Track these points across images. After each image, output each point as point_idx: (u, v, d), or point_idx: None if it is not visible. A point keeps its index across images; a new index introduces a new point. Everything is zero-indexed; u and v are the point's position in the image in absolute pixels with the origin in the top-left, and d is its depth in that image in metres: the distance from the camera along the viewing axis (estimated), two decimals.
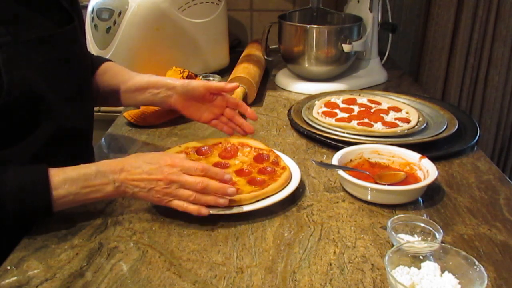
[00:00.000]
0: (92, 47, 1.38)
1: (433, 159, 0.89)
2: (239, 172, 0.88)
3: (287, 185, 0.84)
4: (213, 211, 0.76)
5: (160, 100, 0.96)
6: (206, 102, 0.97)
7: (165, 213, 0.81)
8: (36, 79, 0.75)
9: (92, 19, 1.34)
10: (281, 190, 0.83)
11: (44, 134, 0.79)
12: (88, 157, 0.99)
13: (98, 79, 1.00)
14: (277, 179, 0.84)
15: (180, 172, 0.76)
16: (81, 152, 0.93)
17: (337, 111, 1.15)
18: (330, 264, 0.68)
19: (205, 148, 0.95)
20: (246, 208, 0.78)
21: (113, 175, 0.75)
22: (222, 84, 0.95)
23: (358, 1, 1.47)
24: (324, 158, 1.01)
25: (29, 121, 0.77)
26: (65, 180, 0.72)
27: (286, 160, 0.92)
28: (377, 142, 0.99)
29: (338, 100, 1.22)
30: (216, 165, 0.90)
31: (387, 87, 1.47)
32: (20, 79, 0.73)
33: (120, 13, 1.28)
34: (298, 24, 1.43)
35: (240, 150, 0.95)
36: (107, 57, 1.30)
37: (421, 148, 0.95)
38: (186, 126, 1.17)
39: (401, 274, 0.62)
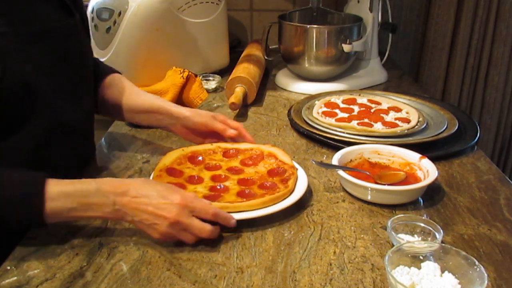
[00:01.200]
0: (92, 47, 1.38)
1: (433, 159, 0.89)
2: (242, 181, 0.86)
3: (275, 203, 0.79)
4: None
5: (163, 126, 1.00)
6: (209, 131, 0.98)
7: None
8: (31, 71, 0.75)
9: (92, 19, 1.34)
10: (265, 207, 0.78)
11: (39, 128, 0.78)
12: (88, 155, 0.99)
13: (104, 91, 1.00)
14: (265, 196, 0.79)
15: (190, 215, 0.71)
16: (80, 149, 0.92)
17: (337, 111, 1.15)
18: (330, 264, 0.68)
19: (232, 151, 0.94)
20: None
21: (115, 197, 0.69)
22: (224, 128, 0.95)
23: (358, 1, 1.47)
24: (324, 158, 1.01)
25: (24, 114, 0.76)
26: (61, 193, 0.68)
27: (302, 178, 0.86)
28: (377, 142, 0.99)
29: (338, 100, 1.22)
30: (230, 169, 0.89)
31: (387, 87, 1.47)
32: (15, 70, 0.72)
33: (120, 13, 1.27)
34: (298, 24, 1.43)
35: (264, 160, 0.92)
36: (108, 56, 1.29)
37: (421, 148, 0.95)
38: None
39: (401, 274, 0.62)
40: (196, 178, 0.86)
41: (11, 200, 0.67)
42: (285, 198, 0.80)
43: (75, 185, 0.70)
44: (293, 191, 0.82)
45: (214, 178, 0.86)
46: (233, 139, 0.96)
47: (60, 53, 0.81)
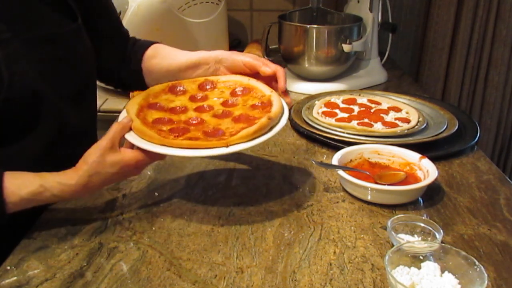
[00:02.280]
0: None
1: (433, 159, 0.89)
2: (225, 104, 0.84)
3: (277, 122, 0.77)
4: (206, 153, 0.72)
5: (211, 75, 0.94)
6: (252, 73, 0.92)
7: (165, 213, 0.81)
8: (36, 77, 0.75)
9: None
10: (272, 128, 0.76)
11: (45, 133, 0.79)
12: None
13: (148, 63, 0.99)
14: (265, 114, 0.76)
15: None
16: (86, 150, 0.93)
17: (337, 111, 1.15)
18: (330, 264, 0.68)
19: (179, 88, 0.90)
20: (238, 147, 0.73)
21: (77, 188, 0.72)
22: (258, 64, 0.89)
23: (358, 1, 1.47)
24: (324, 158, 1.01)
25: (30, 119, 0.77)
26: (22, 200, 0.70)
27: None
28: (377, 142, 0.99)
29: (338, 100, 1.22)
30: (192, 98, 0.86)
31: (387, 87, 1.47)
32: (20, 76, 0.73)
33: (120, 13, 1.27)
34: (298, 24, 1.43)
35: (217, 86, 0.89)
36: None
37: (421, 148, 0.95)
38: None
39: (401, 274, 0.62)
40: (178, 108, 0.84)
41: None
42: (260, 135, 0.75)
43: (31, 190, 0.70)
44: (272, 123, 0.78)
45: (197, 109, 0.84)
46: (268, 80, 0.90)
47: (64, 58, 0.81)
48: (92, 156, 0.72)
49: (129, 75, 1.01)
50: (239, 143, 0.73)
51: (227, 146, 0.72)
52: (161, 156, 0.76)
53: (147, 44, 1.02)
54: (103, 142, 0.73)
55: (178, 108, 0.84)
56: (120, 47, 1.01)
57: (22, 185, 0.70)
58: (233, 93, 0.87)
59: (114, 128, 0.74)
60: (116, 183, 0.89)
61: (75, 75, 0.85)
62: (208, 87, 0.89)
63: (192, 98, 0.87)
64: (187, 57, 0.95)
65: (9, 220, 0.78)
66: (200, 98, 0.87)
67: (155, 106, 0.83)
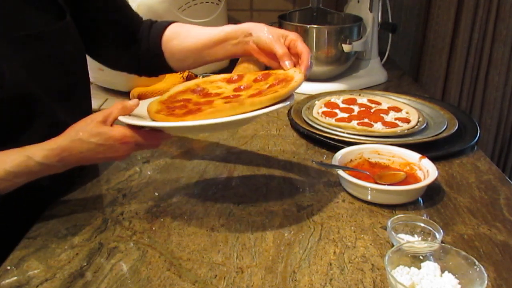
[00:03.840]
0: None
1: (433, 159, 0.89)
2: (237, 89, 0.79)
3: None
4: (214, 120, 0.67)
5: (240, 49, 0.88)
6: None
7: (165, 213, 0.81)
8: (25, 76, 0.75)
9: None
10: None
11: (38, 132, 0.78)
12: None
13: (168, 46, 0.95)
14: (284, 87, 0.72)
15: (134, 146, 0.73)
16: None
17: (337, 111, 1.15)
18: (330, 264, 0.68)
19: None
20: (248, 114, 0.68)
21: (61, 163, 0.71)
22: (282, 54, 0.81)
23: (358, 1, 1.47)
24: (324, 158, 1.01)
25: (22, 119, 0.76)
26: (7, 173, 0.69)
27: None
28: (377, 142, 0.99)
29: (338, 100, 1.22)
30: (206, 94, 0.80)
31: (387, 87, 1.47)
32: (9, 76, 0.72)
33: None
34: (298, 24, 1.43)
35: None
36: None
37: (421, 148, 0.95)
38: None
39: (401, 274, 0.62)
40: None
41: None
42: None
43: (17, 162, 0.69)
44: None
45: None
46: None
47: (53, 55, 0.80)
48: (81, 123, 0.71)
49: (150, 60, 0.97)
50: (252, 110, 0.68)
51: (240, 104, 0.68)
52: (155, 138, 0.73)
53: (164, 25, 0.97)
54: (96, 114, 0.72)
55: (191, 99, 0.79)
56: (130, 33, 0.96)
57: (6, 158, 0.69)
58: (255, 80, 0.82)
59: (114, 106, 0.73)
60: (116, 183, 0.90)
61: (64, 73, 0.83)
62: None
63: (206, 95, 0.81)
64: (211, 34, 0.89)
65: (9, 220, 0.78)
66: (214, 93, 0.81)
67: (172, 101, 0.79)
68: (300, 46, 0.81)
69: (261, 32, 0.84)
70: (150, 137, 0.73)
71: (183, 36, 0.93)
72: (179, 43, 0.93)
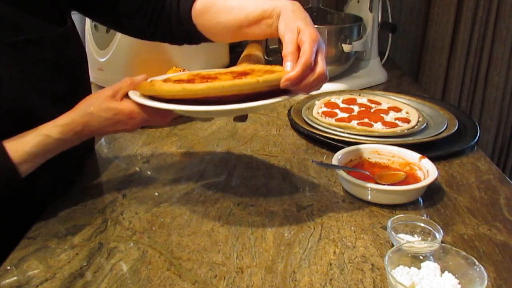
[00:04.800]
0: (92, 47, 1.38)
1: (433, 159, 0.89)
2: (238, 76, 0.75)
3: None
4: (209, 108, 0.66)
5: (275, 32, 0.78)
6: None
7: (165, 213, 0.81)
8: (24, 81, 0.74)
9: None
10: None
11: None
12: (89, 156, 0.99)
13: (200, 20, 0.88)
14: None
15: (143, 119, 0.75)
16: (81, 152, 0.93)
17: (337, 111, 1.15)
18: (330, 264, 0.68)
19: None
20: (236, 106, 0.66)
21: (77, 136, 0.74)
22: (284, 46, 0.73)
23: (358, 1, 1.47)
24: (324, 158, 1.01)
25: (21, 125, 0.76)
26: (26, 155, 0.71)
27: None
28: (377, 142, 0.99)
29: (338, 100, 1.22)
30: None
31: (387, 87, 1.47)
32: (7, 80, 0.72)
33: None
34: None
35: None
36: (107, 56, 1.29)
37: (421, 148, 0.95)
38: (186, 126, 1.17)
39: (401, 274, 0.62)
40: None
41: None
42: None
43: (35, 142, 0.71)
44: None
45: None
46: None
47: (53, 61, 0.80)
48: (92, 98, 0.74)
49: (185, 34, 0.92)
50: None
51: (258, 82, 0.66)
52: (161, 116, 0.74)
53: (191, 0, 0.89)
54: (106, 89, 0.74)
55: (195, 79, 0.77)
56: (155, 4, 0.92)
57: (24, 141, 0.71)
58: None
59: (123, 81, 0.75)
60: (116, 183, 0.90)
61: (64, 78, 0.83)
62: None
63: (210, 77, 0.78)
64: (247, 11, 0.81)
65: (9, 220, 0.78)
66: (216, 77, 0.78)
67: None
68: (305, 47, 0.70)
69: (283, 18, 0.76)
70: (156, 114, 0.75)
71: (214, 11, 0.86)
72: (211, 18, 0.87)
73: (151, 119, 0.75)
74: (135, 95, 0.74)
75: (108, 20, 0.97)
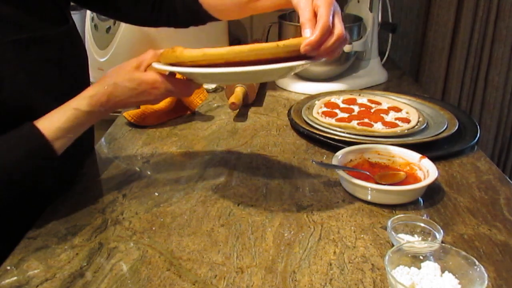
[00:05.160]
0: (92, 47, 1.38)
1: (433, 159, 0.89)
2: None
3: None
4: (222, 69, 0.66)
5: (288, 1, 0.78)
6: None
7: (165, 213, 0.81)
8: (25, 79, 0.75)
9: (92, 19, 1.34)
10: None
11: None
12: (89, 156, 0.99)
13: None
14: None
15: (167, 88, 0.74)
16: (81, 152, 0.93)
17: (337, 111, 1.15)
18: (330, 264, 0.68)
19: None
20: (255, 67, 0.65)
21: (104, 108, 0.74)
22: (300, 15, 0.73)
23: (358, 1, 1.47)
24: (324, 158, 1.01)
25: (24, 122, 0.76)
26: (58, 131, 0.72)
27: None
28: (377, 142, 0.99)
29: (338, 100, 1.22)
30: None
31: (387, 87, 1.47)
32: (9, 78, 0.72)
33: None
34: (298, 24, 1.43)
35: None
36: (107, 56, 1.29)
37: (421, 148, 0.95)
38: (186, 126, 1.17)
39: (401, 274, 0.62)
40: None
41: (24, 162, 0.70)
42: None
43: (66, 118, 0.72)
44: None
45: None
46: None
47: (54, 60, 0.80)
48: (116, 69, 0.75)
49: (189, 14, 0.92)
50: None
51: (277, 46, 0.65)
52: (184, 86, 0.74)
53: None
54: (131, 61, 0.75)
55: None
56: None
57: (54, 119, 0.72)
58: None
59: (147, 53, 0.75)
60: (116, 183, 0.90)
61: (65, 77, 0.83)
62: None
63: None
64: None
65: (9, 220, 0.78)
66: None
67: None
68: (321, 11, 0.68)
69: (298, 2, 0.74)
70: (180, 84, 0.75)
71: None
72: None
73: (174, 89, 0.75)
74: (157, 64, 0.74)
75: (109, 10, 0.97)
